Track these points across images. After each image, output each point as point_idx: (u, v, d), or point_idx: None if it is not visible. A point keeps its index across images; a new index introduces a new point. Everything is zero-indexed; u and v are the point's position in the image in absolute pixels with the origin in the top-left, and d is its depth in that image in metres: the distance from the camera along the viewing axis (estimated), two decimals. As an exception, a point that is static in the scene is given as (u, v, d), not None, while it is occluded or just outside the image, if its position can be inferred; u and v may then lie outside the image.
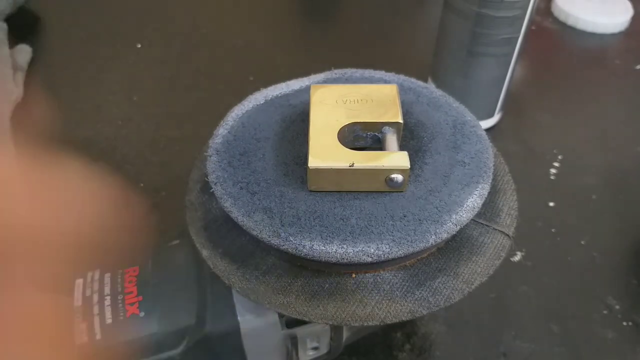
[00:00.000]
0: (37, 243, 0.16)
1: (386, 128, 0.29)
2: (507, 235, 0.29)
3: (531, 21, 0.47)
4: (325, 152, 0.27)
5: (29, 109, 0.51)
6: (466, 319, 0.40)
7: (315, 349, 0.33)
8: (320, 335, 0.33)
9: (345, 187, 0.27)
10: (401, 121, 0.29)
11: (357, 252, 0.24)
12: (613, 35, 0.71)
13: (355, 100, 0.30)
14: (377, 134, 0.29)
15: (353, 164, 0.26)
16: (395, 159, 0.26)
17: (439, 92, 0.34)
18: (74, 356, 0.19)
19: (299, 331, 0.32)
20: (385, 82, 0.35)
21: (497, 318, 0.40)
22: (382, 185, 0.26)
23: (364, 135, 0.29)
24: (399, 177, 0.26)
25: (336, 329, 0.33)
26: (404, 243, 0.25)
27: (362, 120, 0.29)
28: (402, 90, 0.34)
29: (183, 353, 0.29)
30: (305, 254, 0.25)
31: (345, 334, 0.33)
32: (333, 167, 0.26)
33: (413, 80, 0.35)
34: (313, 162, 0.26)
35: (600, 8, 0.72)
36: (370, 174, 0.26)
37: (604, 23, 0.70)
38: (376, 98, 0.30)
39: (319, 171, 0.26)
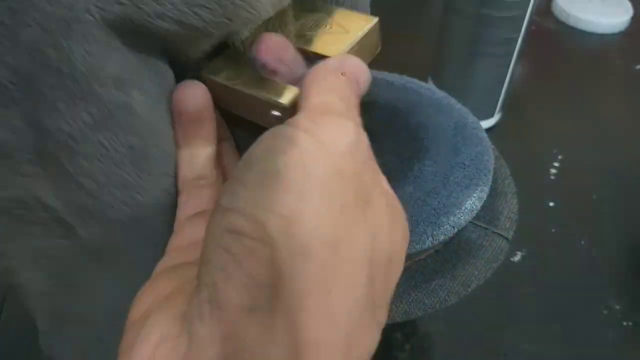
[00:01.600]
0: None
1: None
2: (506, 238, 0.29)
3: (531, 21, 0.47)
4: (231, 64, 0.22)
5: None
6: (466, 319, 0.40)
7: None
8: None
9: (235, 110, 0.22)
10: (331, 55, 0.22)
11: None
12: (613, 35, 0.71)
13: (316, 24, 0.24)
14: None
15: (235, 83, 0.21)
16: (278, 91, 0.20)
17: (441, 94, 0.34)
18: None
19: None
20: (388, 82, 0.35)
21: (497, 318, 0.40)
22: (268, 121, 0.21)
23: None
24: (277, 114, 0.21)
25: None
26: None
27: (297, 46, 0.23)
28: (405, 91, 0.34)
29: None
30: None
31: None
32: (219, 81, 0.21)
33: (415, 81, 0.35)
34: (211, 70, 0.22)
35: (600, 8, 0.72)
36: (251, 101, 0.21)
37: (604, 23, 0.70)
38: (339, 26, 0.23)
39: (213, 83, 0.21)
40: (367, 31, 0.23)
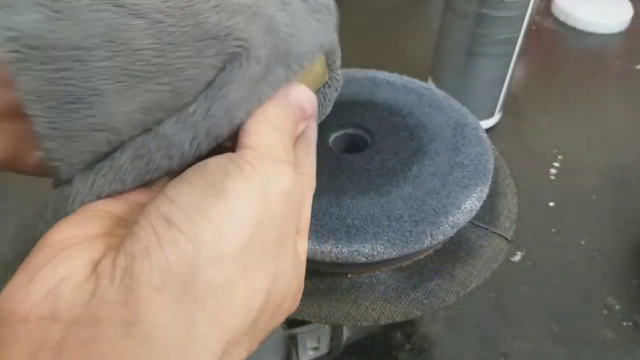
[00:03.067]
0: None
1: None
2: (506, 238, 0.29)
3: (531, 21, 0.47)
4: None
5: None
6: (466, 319, 0.40)
7: (315, 349, 0.34)
8: (320, 335, 0.33)
9: None
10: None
11: (352, 252, 0.25)
12: (613, 35, 0.71)
13: None
14: None
15: None
16: None
17: (441, 94, 0.34)
18: None
19: (299, 331, 0.32)
20: (388, 82, 0.35)
21: (497, 318, 0.40)
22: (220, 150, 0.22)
23: None
24: (228, 145, 0.22)
25: (336, 329, 0.33)
26: (399, 244, 0.25)
27: None
28: (405, 91, 0.34)
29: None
30: None
31: (345, 334, 0.34)
32: None
33: (415, 81, 0.35)
34: None
35: (600, 8, 0.72)
36: None
37: (604, 23, 0.70)
38: None
39: None
40: (314, 67, 0.24)
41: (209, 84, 0.19)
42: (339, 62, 0.27)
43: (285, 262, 0.19)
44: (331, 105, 0.28)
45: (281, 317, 0.20)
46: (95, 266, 0.16)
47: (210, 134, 0.19)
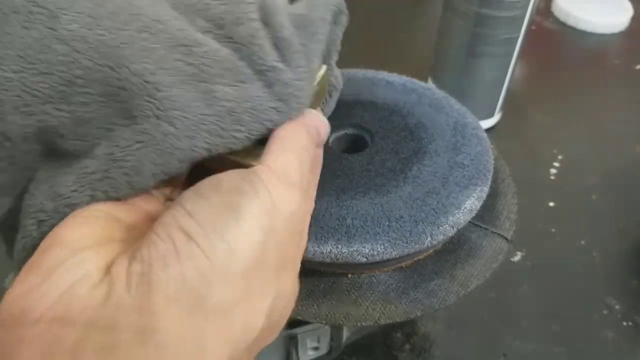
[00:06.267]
0: None
1: None
2: (506, 238, 0.29)
3: (531, 21, 0.47)
4: None
5: None
6: (466, 319, 0.40)
7: (315, 349, 0.34)
8: (320, 335, 0.33)
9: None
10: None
11: (352, 252, 0.25)
12: (613, 35, 0.71)
13: None
14: None
15: None
16: (249, 152, 0.22)
17: (441, 94, 0.34)
18: None
19: (299, 331, 0.32)
20: (388, 82, 0.35)
21: (497, 318, 0.40)
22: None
23: None
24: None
25: (336, 329, 0.33)
26: (399, 244, 0.25)
27: None
28: (405, 91, 0.34)
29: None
30: None
31: (345, 334, 0.34)
32: None
33: (415, 81, 0.35)
34: None
35: (600, 8, 0.72)
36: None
37: (604, 23, 0.70)
38: None
39: None
40: (319, 79, 0.25)
41: (112, 129, 0.19)
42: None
43: (286, 284, 0.19)
44: (334, 104, 0.28)
45: (275, 335, 0.20)
46: (107, 269, 0.16)
47: (108, 195, 0.19)
